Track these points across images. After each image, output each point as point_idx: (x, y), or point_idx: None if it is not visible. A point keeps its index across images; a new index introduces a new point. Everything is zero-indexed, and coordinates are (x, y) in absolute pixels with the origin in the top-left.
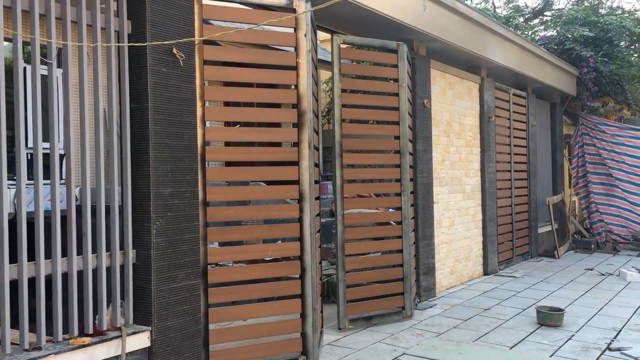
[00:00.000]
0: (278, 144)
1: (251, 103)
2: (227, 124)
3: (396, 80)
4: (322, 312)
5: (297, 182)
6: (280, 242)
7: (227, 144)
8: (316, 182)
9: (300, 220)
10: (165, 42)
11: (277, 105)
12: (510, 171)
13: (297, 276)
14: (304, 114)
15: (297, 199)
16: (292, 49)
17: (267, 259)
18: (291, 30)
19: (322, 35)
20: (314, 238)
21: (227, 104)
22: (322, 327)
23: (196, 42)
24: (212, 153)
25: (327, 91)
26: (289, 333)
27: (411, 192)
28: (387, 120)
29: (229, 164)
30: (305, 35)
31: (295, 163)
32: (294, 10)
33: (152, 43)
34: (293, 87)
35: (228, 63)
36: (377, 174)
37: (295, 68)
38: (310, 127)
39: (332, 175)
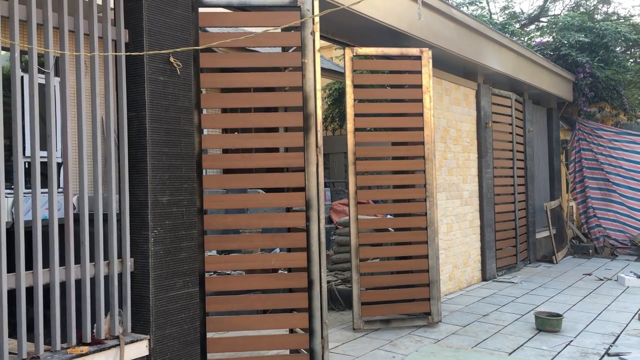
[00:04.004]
0: (277, 150)
1: (250, 109)
2: (226, 131)
3: (419, 86)
4: None
5: (303, 189)
6: (278, 250)
7: (226, 151)
8: None
9: (307, 229)
10: (162, 52)
11: (280, 110)
12: (507, 177)
13: (304, 288)
14: (310, 117)
15: (304, 207)
16: (297, 49)
17: (269, 268)
18: (296, 30)
19: (321, 42)
20: (323, 248)
21: (225, 110)
22: None
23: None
24: (210, 161)
25: (325, 98)
26: (295, 348)
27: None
28: (407, 127)
29: (227, 171)
30: (311, 33)
31: (302, 169)
32: (299, 8)
33: (149, 52)
34: (287, 88)
35: (229, 69)
36: (397, 180)
37: (300, 69)
38: (317, 131)
39: (329, 182)
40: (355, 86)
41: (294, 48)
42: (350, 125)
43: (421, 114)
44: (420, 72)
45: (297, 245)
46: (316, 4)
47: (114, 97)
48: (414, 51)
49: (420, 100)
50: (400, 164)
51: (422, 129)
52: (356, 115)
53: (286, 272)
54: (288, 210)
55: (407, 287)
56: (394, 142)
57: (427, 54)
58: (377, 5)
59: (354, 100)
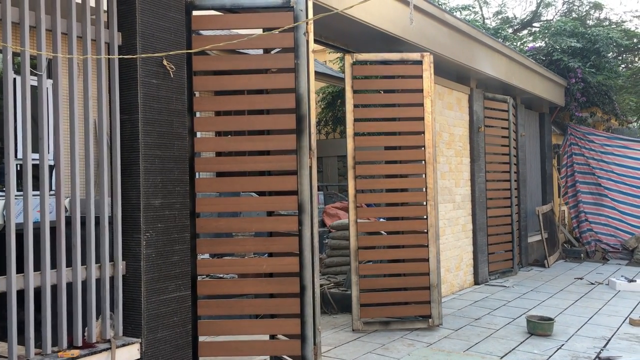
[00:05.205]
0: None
1: (243, 111)
2: (220, 133)
3: (420, 90)
4: None
5: (295, 193)
6: (266, 255)
7: (219, 154)
8: None
9: (299, 233)
10: (155, 55)
11: (272, 112)
12: (500, 181)
13: (296, 294)
14: (303, 119)
15: (296, 211)
16: (290, 50)
17: (262, 273)
18: (289, 30)
19: (314, 46)
20: (316, 253)
21: (219, 113)
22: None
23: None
24: (202, 164)
25: (318, 101)
26: (287, 354)
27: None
28: (408, 131)
29: (220, 174)
30: (304, 33)
31: (294, 172)
32: (292, 9)
33: (142, 56)
34: (269, 90)
35: (222, 72)
36: (397, 183)
37: (293, 70)
38: (310, 133)
39: (322, 185)
40: (355, 91)
41: (288, 49)
42: (350, 130)
43: (422, 118)
44: (421, 77)
45: (289, 249)
46: (310, 3)
47: (106, 100)
48: (414, 56)
49: (421, 105)
50: (400, 168)
51: (422, 132)
52: (356, 120)
53: (268, 276)
54: (269, 214)
55: (407, 289)
56: (394, 146)
57: (428, 59)
58: (371, 10)
59: (354, 105)
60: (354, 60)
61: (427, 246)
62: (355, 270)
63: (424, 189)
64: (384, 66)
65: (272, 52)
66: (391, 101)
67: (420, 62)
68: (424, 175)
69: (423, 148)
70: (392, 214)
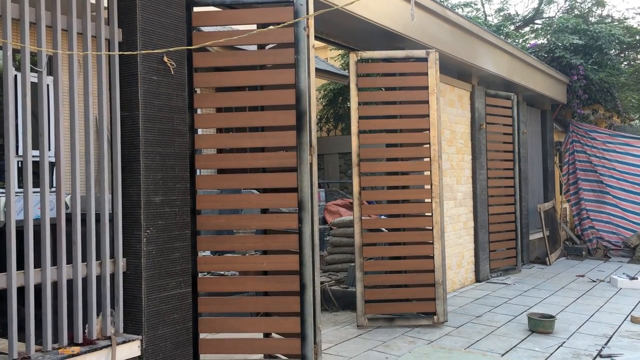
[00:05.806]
0: (272, 149)
1: (245, 108)
2: (221, 130)
3: (425, 88)
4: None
5: (295, 190)
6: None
7: (220, 151)
8: None
9: (299, 231)
10: (156, 51)
11: (272, 108)
12: (501, 178)
13: (296, 292)
14: (303, 115)
15: (296, 208)
16: (290, 46)
17: (262, 270)
18: (289, 26)
19: (315, 42)
20: (316, 250)
21: (220, 110)
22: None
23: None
24: (203, 161)
25: (320, 99)
26: (287, 353)
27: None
28: (413, 128)
29: (221, 171)
30: (304, 28)
31: (294, 169)
32: (292, 3)
33: (143, 52)
34: (261, 87)
35: (222, 68)
36: (402, 180)
37: (293, 66)
38: (311, 129)
39: (323, 183)
40: (360, 89)
41: (288, 44)
42: (354, 127)
43: (427, 115)
44: (426, 74)
45: (289, 247)
46: None
47: (107, 97)
48: (419, 53)
49: (426, 102)
50: (405, 165)
51: (427, 129)
52: (360, 117)
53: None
54: (264, 211)
55: (412, 286)
56: (399, 143)
57: (433, 56)
58: (372, 7)
59: (358, 103)
60: (359, 58)
61: (432, 243)
62: (359, 266)
63: (429, 186)
64: (388, 64)
65: (267, 47)
66: (396, 99)
67: (425, 59)
68: (429, 173)
69: (428, 145)
70: (396, 211)
